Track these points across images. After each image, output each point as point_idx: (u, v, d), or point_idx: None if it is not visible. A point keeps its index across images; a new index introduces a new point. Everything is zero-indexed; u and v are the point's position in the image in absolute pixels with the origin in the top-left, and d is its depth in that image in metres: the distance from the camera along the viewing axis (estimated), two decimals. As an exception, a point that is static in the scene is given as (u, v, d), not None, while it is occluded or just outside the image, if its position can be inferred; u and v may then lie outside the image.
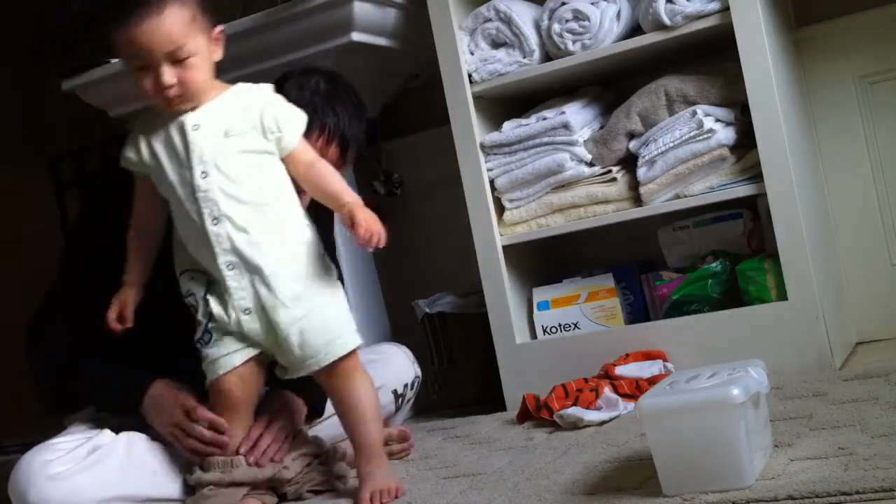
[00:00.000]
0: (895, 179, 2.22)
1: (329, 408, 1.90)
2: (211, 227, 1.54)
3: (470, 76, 2.22)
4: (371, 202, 2.74)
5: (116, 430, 1.72)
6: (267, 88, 1.63)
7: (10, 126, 3.50)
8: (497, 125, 2.25)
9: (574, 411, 1.87)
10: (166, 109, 1.57)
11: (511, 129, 2.20)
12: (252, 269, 1.56)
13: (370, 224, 1.53)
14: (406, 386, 2.11)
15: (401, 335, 2.41)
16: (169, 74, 1.52)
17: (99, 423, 1.74)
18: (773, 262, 2.00)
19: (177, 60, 1.52)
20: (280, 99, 1.62)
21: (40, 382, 1.83)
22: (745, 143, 2.03)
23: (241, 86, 1.63)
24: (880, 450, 1.30)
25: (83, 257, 1.79)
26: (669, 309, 2.12)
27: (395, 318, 2.58)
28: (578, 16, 2.12)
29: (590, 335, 2.16)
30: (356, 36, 2.27)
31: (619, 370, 1.98)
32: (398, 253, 2.74)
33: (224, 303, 1.58)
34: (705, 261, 2.14)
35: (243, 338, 1.60)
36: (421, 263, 2.72)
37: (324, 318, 1.59)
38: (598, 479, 1.45)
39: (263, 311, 1.57)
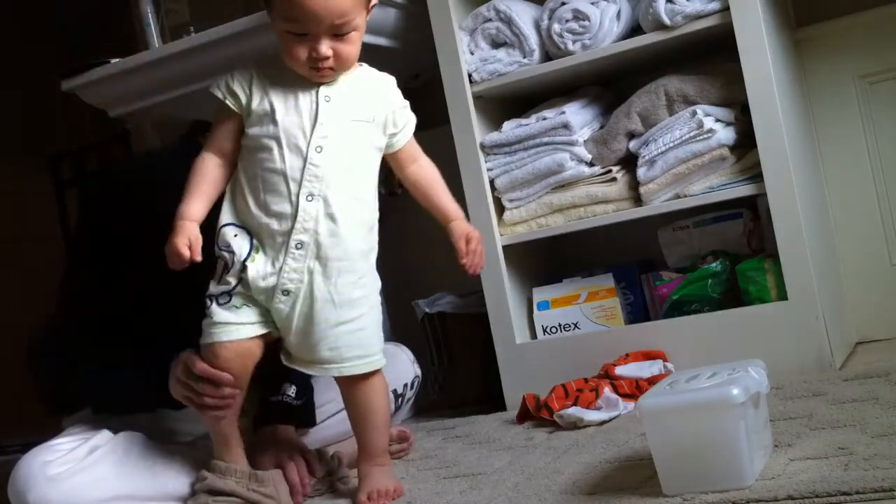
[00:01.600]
0: (895, 179, 2.22)
1: (328, 409, 1.90)
2: (303, 203, 1.48)
3: (470, 76, 2.22)
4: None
5: (115, 431, 1.72)
6: (394, 81, 1.63)
7: (10, 126, 3.50)
8: (497, 125, 2.25)
9: (574, 411, 1.87)
10: (311, 78, 1.51)
11: (511, 129, 2.20)
12: (321, 258, 1.51)
13: (479, 248, 1.57)
14: (406, 386, 2.11)
15: (401, 335, 2.41)
16: (326, 46, 1.46)
17: (97, 425, 1.74)
18: (773, 262, 2.00)
19: (339, 34, 1.47)
20: (400, 94, 1.62)
21: (41, 382, 1.83)
22: (745, 143, 2.03)
23: (368, 69, 1.61)
24: (880, 450, 1.30)
25: (84, 260, 1.79)
26: (669, 309, 2.12)
27: (395, 318, 2.57)
28: (578, 16, 2.12)
29: (590, 335, 2.16)
30: (356, 36, 2.26)
31: (619, 370, 1.98)
32: (398, 253, 2.74)
33: (264, 276, 1.51)
34: (705, 261, 2.14)
35: (261, 313, 1.55)
36: (421, 263, 2.72)
37: (365, 331, 1.56)
38: (598, 479, 1.45)
39: (307, 302, 1.52)
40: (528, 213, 2.20)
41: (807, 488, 1.19)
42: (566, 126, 2.14)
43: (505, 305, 2.20)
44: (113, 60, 2.44)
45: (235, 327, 1.53)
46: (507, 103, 2.33)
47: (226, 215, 1.55)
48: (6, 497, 1.63)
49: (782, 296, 1.97)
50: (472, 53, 2.22)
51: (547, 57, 2.20)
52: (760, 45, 1.93)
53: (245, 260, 1.52)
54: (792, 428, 1.50)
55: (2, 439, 2.96)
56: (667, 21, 2.02)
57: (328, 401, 1.90)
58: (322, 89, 1.52)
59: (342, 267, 1.53)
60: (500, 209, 2.24)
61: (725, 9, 1.97)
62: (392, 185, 2.73)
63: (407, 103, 1.63)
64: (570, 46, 2.14)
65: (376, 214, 1.60)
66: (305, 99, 1.51)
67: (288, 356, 1.61)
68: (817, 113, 2.27)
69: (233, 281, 1.53)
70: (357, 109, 1.55)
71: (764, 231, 2.13)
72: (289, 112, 1.50)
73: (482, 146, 2.21)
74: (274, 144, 1.50)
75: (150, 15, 2.54)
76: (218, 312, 1.53)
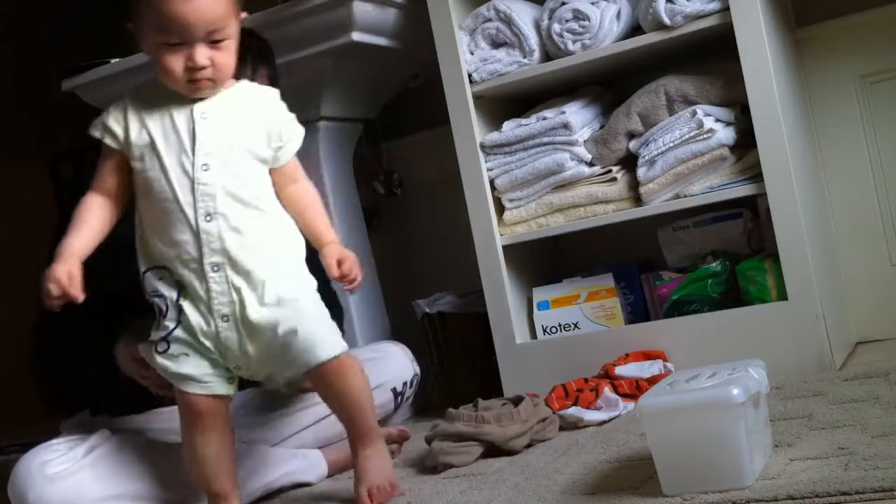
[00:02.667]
0: (895, 179, 2.22)
1: (325, 409, 1.91)
2: (203, 224, 1.44)
3: (470, 76, 2.22)
4: (371, 202, 2.77)
5: (113, 431, 1.72)
6: (276, 94, 1.57)
7: (10, 126, 3.50)
8: (497, 125, 2.25)
9: (574, 411, 1.87)
10: (187, 94, 1.47)
11: (511, 129, 2.20)
12: (240, 272, 1.46)
13: (354, 269, 1.53)
14: (405, 384, 2.11)
15: (401, 335, 2.41)
16: (203, 55, 1.42)
17: (95, 426, 1.74)
18: (773, 262, 2.00)
19: (213, 41, 1.43)
20: (284, 108, 1.56)
21: (40, 386, 1.83)
22: (745, 143, 2.03)
23: (247, 84, 1.56)
24: (880, 450, 1.30)
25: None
26: (669, 309, 2.12)
27: (395, 318, 2.57)
28: (578, 16, 2.12)
29: (590, 335, 2.16)
30: (356, 36, 2.27)
31: (619, 370, 1.98)
32: (398, 253, 2.74)
33: (200, 310, 1.47)
34: (705, 261, 2.14)
35: (204, 366, 1.49)
36: (421, 263, 2.72)
37: (309, 323, 1.50)
38: (598, 479, 1.45)
39: (243, 319, 1.47)
40: (528, 213, 2.20)
41: (807, 488, 1.19)
42: (566, 126, 2.14)
43: (505, 305, 2.20)
44: (113, 60, 2.44)
45: (191, 384, 1.49)
46: (507, 103, 2.33)
47: (142, 261, 1.51)
48: (6, 496, 1.63)
49: (782, 296, 1.97)
50: (472, 53, 2.22)
51: (547, 57, 2.20)
52: (760, 45, 1.93)
53: (178, 300, 1.47)
54: (792, 428, 1.50)
55: (2, 439, 2.96)
56: (667, 21, 2.02)
57: None
58: (197, 107, 1.47)
59: (264, 275, 1.48)
60: (500, 209, 2.24)
61: (725, 9, 1.97)
62: (391, 185, 2.74)
63: (293, 116, 1.56)
64: (570, 46, 2.14)
65: (283, 219, 1.54)
66: (181, 119, 1.47)
67: (267, 381, 1.61)
68: (817, 113, 2.27)
69: (171, 325, 1.48)
70: (236, 122, 1.49)
71: (764, 231, 2.13)
72: (168, 137, 1.46)
73: (482, 146, 2.21)
74: (161, 175, 1.46)
75: (150, 15, 2.53)
76: (164, 364, 1.49)
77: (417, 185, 2.73)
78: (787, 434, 1.47)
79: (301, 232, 1.57)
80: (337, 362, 1.52)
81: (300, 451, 1.86)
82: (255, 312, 1.47)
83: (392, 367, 2.10)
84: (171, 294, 1.47)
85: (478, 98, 2.23)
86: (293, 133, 1.55)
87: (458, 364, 2.42)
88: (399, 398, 2.10)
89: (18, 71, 3.57)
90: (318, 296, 1.56)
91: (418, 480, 1.70)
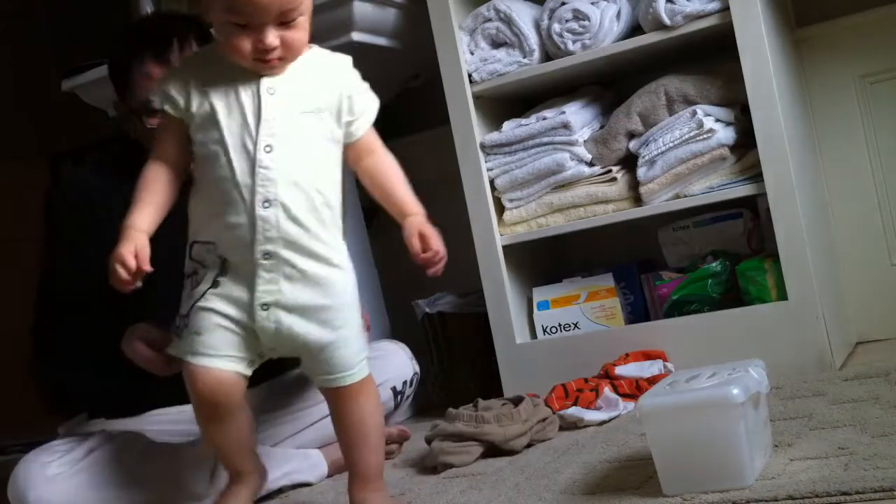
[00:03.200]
0: (895, 179, 2.22)
1: (324, 409, 1.91)
2: (259, 210, 1.34)
3: (470, 76, 2.22)
4: (371, 202, 2.76)
5: (113, 433, 1.72)
6: (348, 62, 1.45)
7: (10, 126, 3.50)
8: (497, 125, 2.25)
9: (574, 411, 1.87)
10: (257, 71, 1.37)
11: (511, 128, 2.20)
12: (293, 266, 1.37)
13: (439, 246, 1.41)
14: (405, 383, 2.11)
15: (401, 335, 2.41)
16: (273, 35, 1.32)
17: (92, 429, 1.74)
18: (773, 262, 2.00)
19: (286, 21, 1.33)
20: (357, 77, 1.46)
21: (43, 384, 1.83)
22: (745, 143, 2.03)
23: (319, 51, 1.44)
24: (880, 450, 1.30)
25: (64, 263, 1.76)
26: (669, 309, 2.12)
27: (395, 317, 2.57)
28: (578, 16, 2.12)
29: (590, 335, 2.16)
30: (356, 36, 2.27)
31: (619, 370, 1.98)
32: (398, 253, 2.74)
33: (238, 293, 1.38)
34: (705, 261, 2.14)
35: (239, 339, 1.40)
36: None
37: (349, 339, 1.42)
38: (598, 479, 1.45)
39: (283, 313, 1.38)
40: (528, 212, 2.20)
41: (807, 488, 1.19)
42: (566, 126, 2.14)
43: (505, 305, 2.20)
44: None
45: (208, 357, 1.38)
46: (507, 103, 2.33)
47: (193, 229, 1.42)
48: (6, 497, 1.63)
49: (782, 296, 1.97)
50: (472, 53, 2.22)
51: (547, 57, 2.20)
52: (760, 45, 1.93)
53: (216, 278, 1.38)
54: (792, 428, 1.50)
55: (2, 439, 2.96)
56: (667, 21, 2.02)
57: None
58: (264, 81, 1.37)
59: (319, 274, 1.39)
60: (500, 209, 2.24)
61: (725, 9, 1.97)
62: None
63: (366, 86, 1.46)
64: (570, 46, 2.14)
65: (341, 210, 1.45)
66: (247, 94, 1.37)
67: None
68: (817, 113, 2.27)
69: (203, 290, 1.39)
70: (306, 99, 1.39)
71: (764, 231, 2.13)
72: (231, 112, 1.36)
73: (482, 146, 2.21)
74: (220, 150, 1.36)
75: (150, 15, 2.53)
76: (187, 333, 1.39)
77: (417, 185, 2.72)
78: (787, 434, 1.47)
79: (380, 206, 1.48)
80: (359, 385, 1.45)
81: (300, 451, 1.86)
82: (302, 309, 1.39)
83: (392, 365, 2.09)
84: (213, 269, 1.38)
85: (478, 98, 2.23)
86: (366, 106, 1.46)
87: (458, 364, 2.42)
88: (399, 397, 2.10)
89: (18, 71, 3.57)
90: (359, 306, 1.46)
91: (418, 480, 1.70)
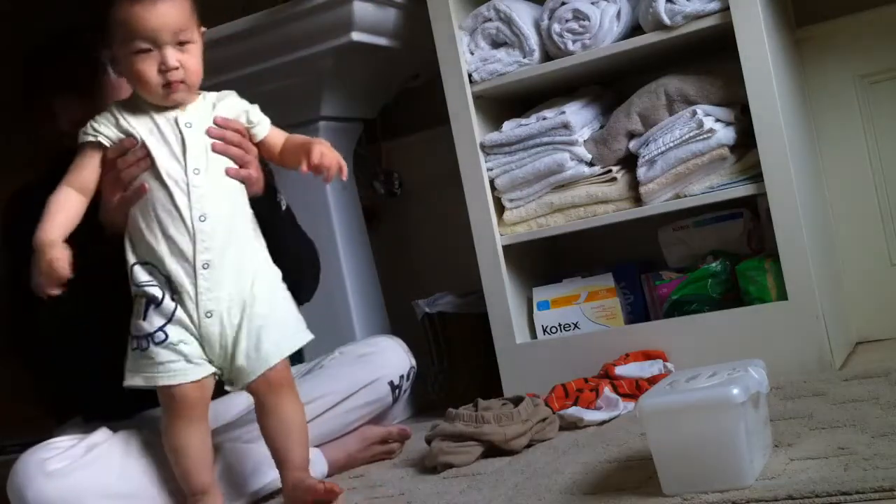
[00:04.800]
0: (895, 179, 2.22)
1: (323, 405, 1.91)
2: (198, 224, 1.52)
3: (470, 76, 2.22)
4: (371, 202, 2.77)
5: (113, 430, 1.72)
6: (233, 92, 1.66)
7: (9, 125, 3.50)
8: (497, 125, 2.25)
9: (574, 411, 1.87)
10: (163, 101, 1.55)
11: (511, 128, 2.20)
12: (229, 270, 1.54)
13: (327, 154, 1.58)
14: (402, 377, 2.10)
15: (401, 335, 2.40)
16: (173, 57, 1.51)
17: (89, 430, 1.74)
18: (773, 262, 2.00)
19: (180, 43, 1.52)
20: (244, 100, 1.66)
21: (36, 390, 1.84)
22: (745, 143, 2.03)
23: (208, 93, 1.64)
24: (880, 450, 1.30)
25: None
26: (669, 309, 2.12)
27: (395, 317, 2.57)
28: (578, 16, 2.12)
29: (590, 335, 2.16)
30: (356, 36, 2.27)
31: (619, 370, 1.98)
32: (398, 253, 2.74)
33: (186, 304, 1.54)
34: (705, 261, 2.14)
35: (197, 348, 1.56)
36: (421, 263, 2.72)
37: (283, 317, 1.60)
38: (598, 479, 1.45)
39: (226, 315, 1.54)
40: (528, 212, 2.20)
41: (807, 488, 1.19)
42: (566, 126, 2.14)
43: (505, 305, 2.20)
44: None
45: (186, 367, 1.54)
46: (507, 103, 2.33)
47: (130, 255, 1.56)
48: (6, 495, 1.63)
49: (782, 296, 1.97)
50: (472, 53, 2.22)
51: (547, 57, 2.20)
52: (760, 45, 1.93)
53: (169, 295, 1.54)
54: (792, 428, 1.50)
55: (2, 439, 2.96)
56: (667, 21, 2.02)
57: (326, 393, 1.90)
58: (180, 117, 1.56)
59: (254, 271, 1.57)
60: (500, 209, 2.24)
61: (725, 9, 1.97)
62: (391, 185, 2.74)
63: (256, 106, 1.65)
64: (570, 46, 2.14)
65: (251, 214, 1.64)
66: (168, 128, 1.56)
67: (228, 382, 1.62)
68: (817, 113, 2.27)
69: (163, 319, 1.54)
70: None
71: (764, 231, 2.13)
72: (158, 143, 1.55)
73: (482, 146, 2.21)
74: (156, 177, 1.54)
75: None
76: (157, 352, 1.53)
77: (417, 185, 2.73)
78: (787, 434, 1.47)
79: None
80: (283, 376, 1.59)
81: None
82: (242, 310, 1.55)
83: (388, 360, 2.09)
84: (162, 287, 1.54)
85: (478, 98, 2.23)
86: (262, 115, 1.65)
87: (458, 364, 2.42)
88: (397, 391, 2.09)
89: (17, 70, 3.56)
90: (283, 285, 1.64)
91: (418, 480, 1.70)
